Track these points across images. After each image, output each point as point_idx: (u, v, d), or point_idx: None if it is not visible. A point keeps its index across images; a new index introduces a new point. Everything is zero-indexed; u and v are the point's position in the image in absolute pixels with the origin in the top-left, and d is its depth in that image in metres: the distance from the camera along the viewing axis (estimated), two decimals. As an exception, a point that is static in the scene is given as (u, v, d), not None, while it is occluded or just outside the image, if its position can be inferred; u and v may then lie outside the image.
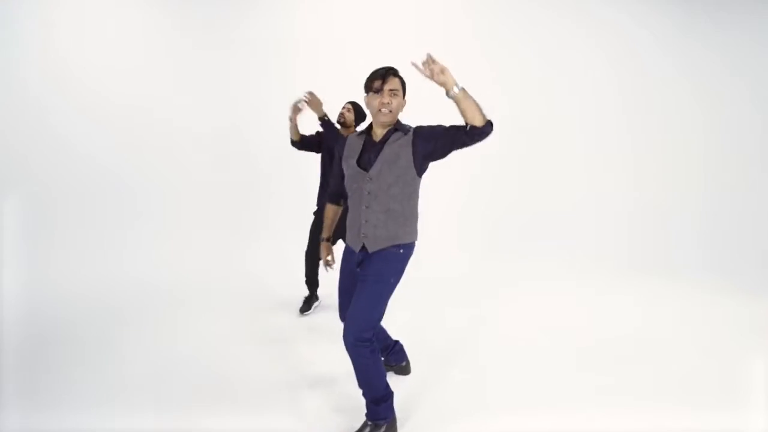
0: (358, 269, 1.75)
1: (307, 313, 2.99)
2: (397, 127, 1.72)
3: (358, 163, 1.72)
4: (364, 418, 1.75)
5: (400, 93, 1.70)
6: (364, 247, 1.72)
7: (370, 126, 1.77)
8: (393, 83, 1.67)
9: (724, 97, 4.62)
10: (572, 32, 4.63)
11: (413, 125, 1.75)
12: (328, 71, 4.29)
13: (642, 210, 4.69)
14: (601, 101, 4.72)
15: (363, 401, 1.75)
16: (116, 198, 4.27)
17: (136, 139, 4.35)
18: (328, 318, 2.75)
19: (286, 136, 2.92)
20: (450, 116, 1.65)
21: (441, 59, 1.52)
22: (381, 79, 1.67)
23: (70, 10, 4.10)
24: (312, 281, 3.03)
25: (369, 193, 1.69)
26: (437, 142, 1.65)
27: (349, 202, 1.78)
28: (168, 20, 4.41)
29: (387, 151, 1.68)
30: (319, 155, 2.97)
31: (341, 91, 2.93)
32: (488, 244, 4.47)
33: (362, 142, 1.76)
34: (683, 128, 4.70)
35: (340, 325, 1.72)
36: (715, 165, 4.66)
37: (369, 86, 1.70)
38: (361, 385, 1.72)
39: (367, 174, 1.68)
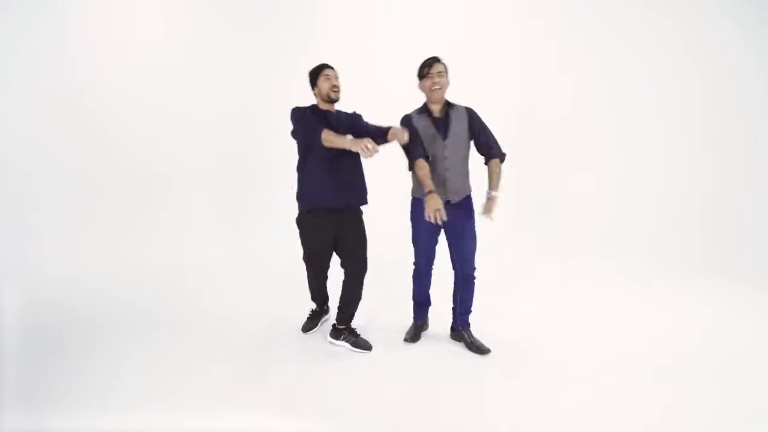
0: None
1: (312, 331, 2.62)
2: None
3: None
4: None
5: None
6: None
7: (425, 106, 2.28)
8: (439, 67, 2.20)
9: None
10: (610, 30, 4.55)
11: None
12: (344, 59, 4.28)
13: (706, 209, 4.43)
14: (682, 98, 4.49)
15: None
16: (117, 196, 4.25)
17: (139, 138, 4.34)
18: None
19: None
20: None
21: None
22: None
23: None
24: (322, 295, 2.66)
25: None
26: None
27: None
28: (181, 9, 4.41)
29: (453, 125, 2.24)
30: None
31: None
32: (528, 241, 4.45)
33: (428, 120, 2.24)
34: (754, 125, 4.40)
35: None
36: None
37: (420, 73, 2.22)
38: (469, 304, 2.40)
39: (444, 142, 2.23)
